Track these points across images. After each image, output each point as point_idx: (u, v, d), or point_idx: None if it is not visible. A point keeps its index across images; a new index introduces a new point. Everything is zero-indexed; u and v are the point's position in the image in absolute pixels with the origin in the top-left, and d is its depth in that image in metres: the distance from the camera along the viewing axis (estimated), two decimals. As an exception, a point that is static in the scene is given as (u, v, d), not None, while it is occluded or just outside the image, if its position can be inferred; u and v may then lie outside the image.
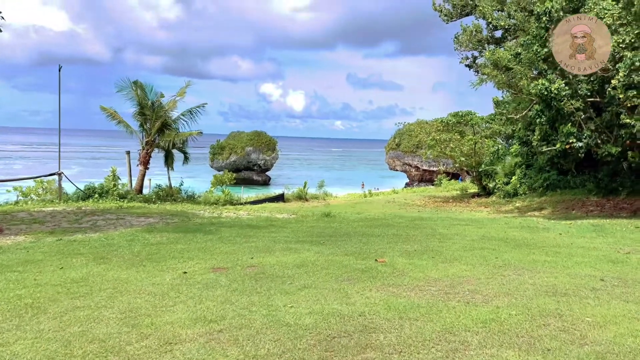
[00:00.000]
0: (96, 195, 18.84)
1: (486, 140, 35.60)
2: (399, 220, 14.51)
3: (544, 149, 18.50)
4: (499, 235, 10.80)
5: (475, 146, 33.82)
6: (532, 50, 17.61)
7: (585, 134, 17.33)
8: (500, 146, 35.72)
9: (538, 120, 18.65)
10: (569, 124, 17.48)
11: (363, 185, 61.36)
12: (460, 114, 32.80)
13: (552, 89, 16.76)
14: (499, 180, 33.13)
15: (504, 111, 31.31)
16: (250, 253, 8.13)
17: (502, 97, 39.91)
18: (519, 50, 18.60)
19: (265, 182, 72.48)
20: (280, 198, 33.97)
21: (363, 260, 7.55)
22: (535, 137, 18.87)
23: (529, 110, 19.23)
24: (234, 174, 37.74)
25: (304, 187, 34.53)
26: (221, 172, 48.65)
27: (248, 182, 70.72)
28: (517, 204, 27.40)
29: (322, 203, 33.00)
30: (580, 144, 17.34)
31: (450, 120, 32.48)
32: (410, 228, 12.02)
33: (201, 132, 21.71)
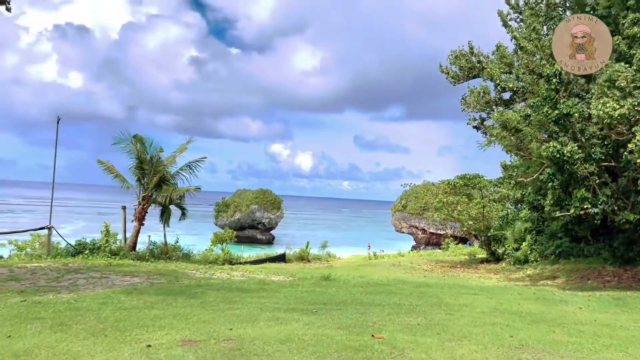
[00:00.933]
0: (87, 251, 18.01)
1: (494, 204, 34.74)
2: (403, 287, 13.46)
3: (557, 214, 17.60)
4: (512, 308, 9.74)
5: (483, 210, 32.91)
6: (543, 112, 17.08)
7: (600, 200, 16.46)
8: (509, 211, 34.79)
9: (550, 184, 17.87)
10: (583, 189, 16.67)
11: (369, 246, 59.95)
12: (468, 176, 32.13)
13: (565, 151, 16.08)
14: (508, 246, 31.91)
15: (513, 174, 30.66)
16: (231, 323, 7.17)
17: (511, 161, 39.37)
18: (529, 112, 18.11)
19: (269, 241, 71.24)
20: (281, 258, 32.85)
21: (358, 336, 6.56)
22: (547, 201, 18.02)
23: (540, 173, 18.49)
24: (235, 232, 36.72)
25: (306, 247, 33.46)
26: (222, 230, 47.78)
27: (252, 241, 69.59)
28: (529, 272, 26.12)
29: (324, 264, 31.82)
30: (596, 210, 16.43)
31: (457, 183, 31.77)
32: (415, 296, 10.99)
33: (199, 188, 21.08)
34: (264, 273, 17.20)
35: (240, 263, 30.87)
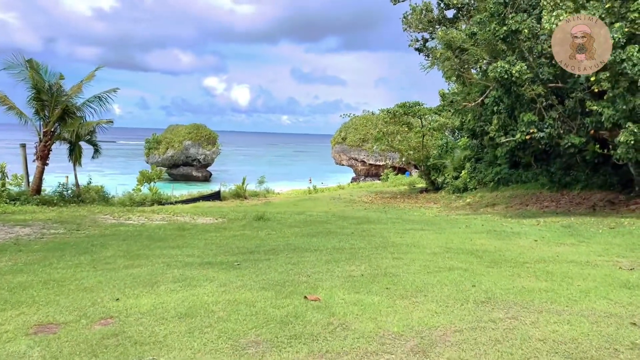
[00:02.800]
0: (-22, 198, 15.44)
1: (434, 132, 34.06)
2: (343, 225, 12.17)
3: (503, 139, 16.70)
4: (465, 246, 8.61)
5: (423, 139, 32.16)
6: (490, 30, 15.68)
7: (547, 123, 15.62)
8: (448, 139, 34.26)
9: (496, 108, 16.85)
10: (530, 113, 15.73)
11: (310, 180, 58.96)
12: (408, 104, 30.97)
13: (513, 71, 14.90)
14: (448, 175, 31.58)
15: (454, 101, 29.77)
16: (121, 289, 5.46)
17: (449, 89, 38.61)
18: (475, 30, 16.67)
19: (206, 179, 68.64)
20: (216, 196, 30.98)
21: (287, 299, 5.06)
22: (492, 127, 17.07)
23: (486, 96, 17.37)
24: (163, 170, 34.21)
25: (242, 183, 31.69)
26: (162, 168, 44.83)
27: (187, 179, 66.85)
28: (468, 200, 25.85)
29: (262, 201, 30.36)
30: (542, 134, 15.61)
31: (397, 111, 30.59)
32: (356, 236, 9.67)
33: (111, 121, 18.50)
34: (191, 215, 15.42)
35: (171, 203, 28.80)
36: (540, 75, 15.50)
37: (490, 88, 17.23)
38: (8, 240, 8.94)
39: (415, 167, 39.03)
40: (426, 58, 21.60)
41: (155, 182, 32.03)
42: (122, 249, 7.98)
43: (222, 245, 8.64)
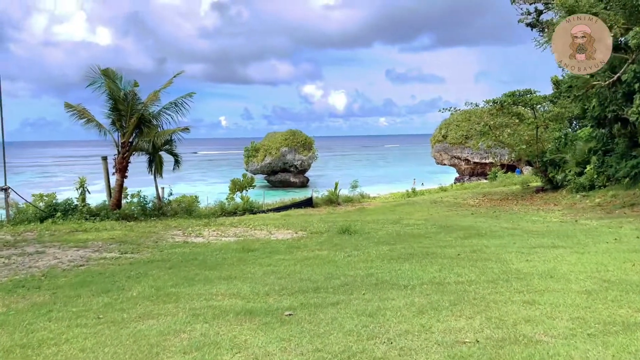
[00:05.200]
0: (59, 214, 14.94)
1: (550, 123, 29.79)
2: (446, 240, 9.67)
3: (650, 124, 13.11)
4: (629, 276, 5.81)
5: (537, 131, 28.15)
6: (628, -14, 12.33)
7: None
8: (568, 130, 29.80)
9: (638, 85, 13.33)
10: (690, 86, 12.11)
11: (415, 182, 55.93)
12: (518, 92, 27.18)
13: (665, 35, 11.46)
14: (569, 171, 27.15)
15: (574, 85, 25.62)
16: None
17: (563, 75, 33.90)
18: (606, -10, 13.30)
19: (304, 184, 68.07)
20: (308, 203, 29.41)
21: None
22: (634, 109, 13.52)
23: (623, 72, 13.83)
24: (256, 177, 33.37)
25: (335, 189, 29.79)
26: (253, 176, 44.58)
27: (285, 185, 66.76)
28: (597, 200, 21.74)
29: (355, 207, 28.25)
30: None
31: (505, 101, 26.92)
32: (464, 260, 7.18)
33: (188, 129, 17.44)
34: (270, 228, 13.71)
35: (263, 211, 27.69)
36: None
37: (630, 61, 13.68)
38: (42, 269, 7.66)
39: (528, 164, 34.68)
40: (540, 34, 18.25)
41: (247, 190, 31.23)
42: (156, 284, 6.26)
43: (284, 275, 6.62)
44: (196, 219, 16.68)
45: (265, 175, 70.01)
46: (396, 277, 6.17)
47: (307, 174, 71.02)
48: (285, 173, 68.39)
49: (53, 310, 5.14)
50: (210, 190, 56.14)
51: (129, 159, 16.24)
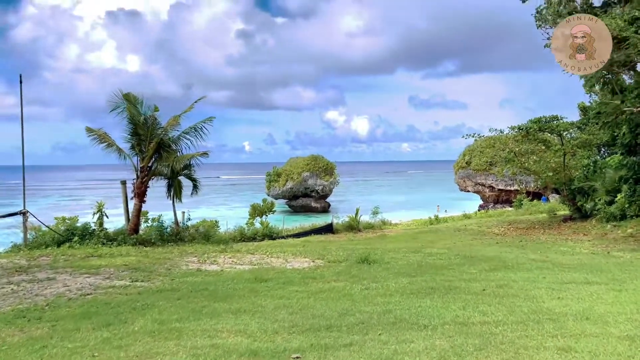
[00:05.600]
0: (76, 238, 14.85)
1: (578, 150, 28.95)
2: (470, 272, 9.15)
3: (687, 152, 12.41)
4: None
5: (564, 158, 27.36)
6: (661, 8, 11.85)
7: None
8: (597, 158, 28.90)
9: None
10: None
11: (439, 208, 55.02)
12: (544, 119, 26.51)
13: (702, 58, 10.92)
14: (599, 200, 26.18)
15: (602, 111, 24.93)
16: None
17: (590, 101, 33.09)
18: (638, 14, 12.84)
19: (325, 209, 67.64)
20: (328, 229, 28.97)
21: None
22: (669, 136, 12.86)
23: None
24: (274, 203, 33.13)
25: (356, 215, 29.30)
26: (274, 200, 44.29)
27: (306, 210, 66.47)
28: (629, 230, 20.82)
29: (376, 233, 27.69)
30: None
31: (531, 127, 26.27)
32: (490, 297, 6.68)
33: (207, 153, 17.28)
34: (287, 255, 13.33)
35: (282, 237, 27.36)
36: None
37: (663, 86, 13.10)
38: (47, 298, 7.41)
39: (556, 192, 33.73)
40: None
41: (267, 215, 30.96)
42: (160, 318, 5.93)
43: (296, 310, 6.22)
44: (213, 245, 16.43)
45: (286, 200, 69.88)
46: (416, 315, 5.71)
47: (328, 199, 70.64)
48: (306, 198, 68.13)
49: (47, 346, 4.84)
50: (232, 215, 56.19)
51: (147, 183, 16.15)
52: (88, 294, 7.71)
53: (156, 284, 8.60)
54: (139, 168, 16.23)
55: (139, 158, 16.35)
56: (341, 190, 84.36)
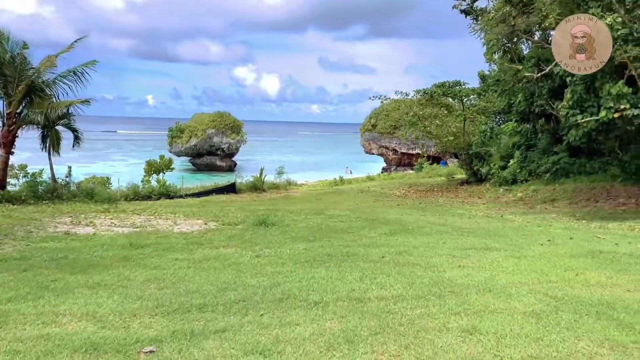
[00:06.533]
0: None
1: (478, 116, 29.94)
2: (370, 237, 8.65)
3: (579, 119, 12.79)
4: (577, 291, 4.98)
5: (464, 123, 28.16)
6: (566, -27, 11.83)
7: (644, 97, 11.70)
8: (493, 124, 30.07)
9: (569, 79, 12.98)
10: (620, 82, 11.83)
11: (348, 170, 55.65)
12: (447, 84, 26.96)
13: (601, 27, 11.02)
14: (493, 165, 27.35)
15: (501, 79, 25.73)
16: None
17: (489, 70, 34.20)
18: (543, -23, 12.79)
19: (231, 168, 65.70)
20: (231, 188, 27.76)
21: None
22: (564, 103, 13.18)
23: (556, 64, 13.43)
24: (172, 160, 31.20)
25: (260, 175, 28.31)
26: (172, 158, 41.73)
27: (211, 168, 64.25)
28: (519, 194, 21.88)
29: (281, 194, 27.02)
30: (636, 112, 11.71)
31: (435, 92, 26.61)
32: (389, 265, 6.13)
33: (88, 101, 15.32)
34: (176, 217, 12.13)
35: (181, 196, 25.80)
36: (636, 33, 11.55)
37: (562, 53, 13.27)
38: None
39: (454, 156, 34.97)
40: (474, 21, 17.76)
41: (165, 173, 29.05)
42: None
43: (168, 284, 5.24)
44: (97, 204, 14.75)
45: (190, 158, 67.03)
46: (307, 288, 4.97)
47: (234, 158, 68.71)
48: (211, 156, 65.68)
49: None
50: (130, 172, 52.68)
51: (16, 132, 13.97)
52: None
53: (7, 250, 7.16)
54: (5, 114, 13.96)
55: (4, 102, 14.05)
56: (248, 149, 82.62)
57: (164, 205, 17.02)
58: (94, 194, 16.82)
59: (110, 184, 28.23)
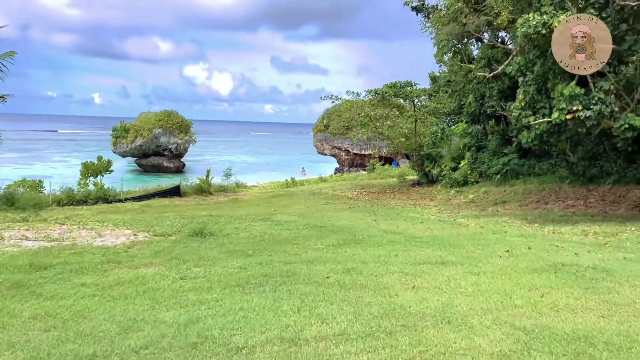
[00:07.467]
0: None
1: (429, 117, 29.81)
2: (316, 249, 7.82)
3: (531, 121, 12.44)
4: (547, 320, 4.31)
5: (415, 124, 27.90)
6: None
7: (596, 98, 11.44)
8: (444, 125, 29.98)
9: (522, 79, 12.63)
10: (573, 83, 11.53)
11: (303, 170, 54.93)
12: (399, 84, 26.55)
13: (554, 25, 10.67)
14: (444, 166, 27.18)
15: (452, 80, 25.58)
16: None
17: (440, 71, 34.18)
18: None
19: (179, 170, 63.45)
20: (175, 192, 26.34)
21: None
22: (516, 104, 12.82)
23: (507, 64, 13.06)
24: (112, 161, 29.39)
25: (207, 177, 27.00)
26: (111, 159, 39.41)
27: (158, 170, 61.83)
28: (470, 196, 21.68)
29: (229, 197, 25.81)
30: (588, 113, 11.44)
31: (386, 92, 26.15)
32: (334, 289, 5.30)
33: (4, 97, 13.78)
34: (102, 228, 10.89)
35: (120, 200, 24.17)
36: (588, 32, 11.25)
37: (514, 53, 12.94)
38: None
39: (406, 157, 34.79)
40: (425, 19, 17.33)
41: (103, 176, 27.28)
42: None
43: (58, 323, 4.19)
44: (15, 212, 13.24)
45: (136, 159, 64.31)
46: (231, 326, 4.05)
47: (183, 159, 66.47)
48: (158, 157, 63.18)
49: None
50: (72, 174, 49.78)
51: None
52: None
53: None
54: None
55: None
56: (198, 150, 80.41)
57: (97, 212, 15.64)
58: (14, 200, 15.21)
59: (43, 187, 26.25)
